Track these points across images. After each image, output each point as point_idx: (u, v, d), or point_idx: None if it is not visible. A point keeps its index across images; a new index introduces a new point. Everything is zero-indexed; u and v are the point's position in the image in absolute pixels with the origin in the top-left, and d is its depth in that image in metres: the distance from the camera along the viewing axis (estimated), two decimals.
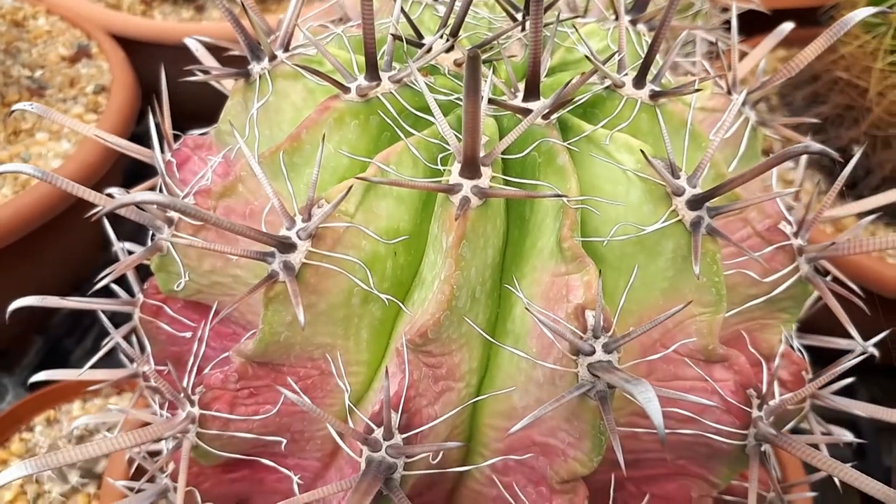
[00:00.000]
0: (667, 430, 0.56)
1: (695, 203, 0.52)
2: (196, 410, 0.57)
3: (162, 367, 0.69)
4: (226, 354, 0.60)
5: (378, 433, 0.49)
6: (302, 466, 0.64)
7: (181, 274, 0.60)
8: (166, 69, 0.71)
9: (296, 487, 0.59)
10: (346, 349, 0.57)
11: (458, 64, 0.61)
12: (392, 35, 0.58)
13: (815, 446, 0.66)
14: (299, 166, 0.56)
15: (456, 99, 0.58)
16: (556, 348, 0.51)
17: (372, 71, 0.55)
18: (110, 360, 0.78)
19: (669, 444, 0.58)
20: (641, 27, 0.68)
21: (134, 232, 0.85)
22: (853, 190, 1.43)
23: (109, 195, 0.67)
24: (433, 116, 0.51)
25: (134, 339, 0.77)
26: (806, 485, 0.83)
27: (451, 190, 0.50)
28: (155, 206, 0.61)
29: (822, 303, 0.67)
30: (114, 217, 0.64)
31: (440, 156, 0.55)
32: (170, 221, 0.60)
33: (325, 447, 0.62)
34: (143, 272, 0.74)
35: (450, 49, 0.59)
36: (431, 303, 0.52)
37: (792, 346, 0.67)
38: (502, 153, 0.55)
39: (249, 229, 0.48)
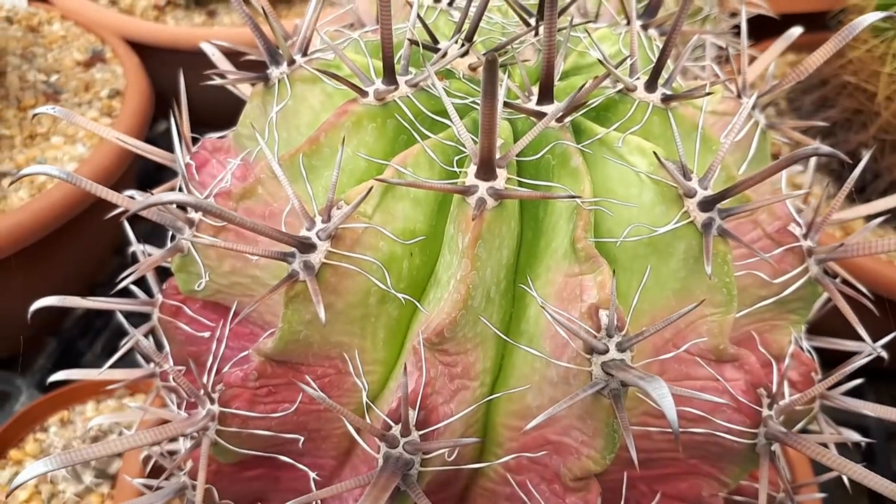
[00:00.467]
0: (679, 430, 0.57)
1: (706, 205, 0.53)
2: (216, 408, 0.58)
3: (180, 367, 0.70)
4: (244, 353, 0.61)
5: (396, 430, 0.50)
6: (318, 465, 0.65)
7: (201, 274, 0.62)
8: (181, 74, 0.72)
9: (312, 484, 0.60)
10: (362, 348, 0.58)
11: (472, 68, 0.62)
12: (409, 40, 0.59)
13: (825, 446, 0.66)
14: (318, 168, 0.57)
15: (471, 102, 0.59)
16: (570, 347, 0.52)
17: (389, 75, 0.56)
18: (123, 362, 0.80)
19: (682, 444, 0.59)
20: (652, 32, 0.69)
21: (148, 234, 0.86)
22: (862, 194, 1.43)
23: (129, 197, 0.68)
24: (449, 119, 0.52)
25: (151, 339, 0.78)
26: (815, 486, 0.83)
27: (468, 191, 0.51)
28: (175, 207, 0.62)
29: (831, 305, 0.68)
30: (128, 219, 0.65)
31: (456, 158, 0.56)
32: (190, 222, 0.61)
33: (341, 445, 0.64)
34: (160, 274, 0.75)
35: (465, 53, 0.60)
36: (447, 302, 0.53)
37: (801, 347, 0.67)
38: (517, 155, 0.57)
39: (271, 230, 0.49)
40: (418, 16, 0.60)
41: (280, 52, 0.62)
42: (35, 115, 0.66)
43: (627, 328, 0.50)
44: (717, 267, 0.54)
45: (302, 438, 0.60)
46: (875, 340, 0.69)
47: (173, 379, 0.60)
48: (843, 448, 1.32)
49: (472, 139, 0.52)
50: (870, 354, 0.63)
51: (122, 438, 0.55)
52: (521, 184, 0.56)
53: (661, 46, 0.58)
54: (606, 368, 0.48)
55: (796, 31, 0.85)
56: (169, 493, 0.69)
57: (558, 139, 0.55)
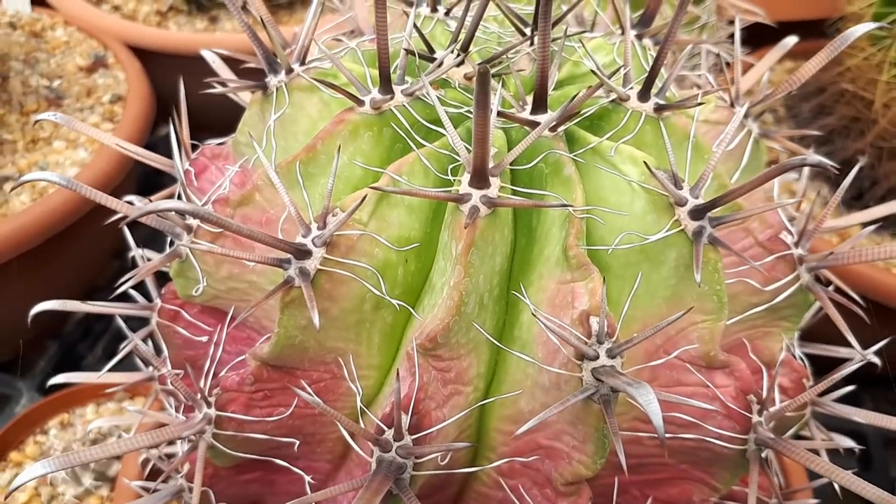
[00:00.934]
0: (669, 435, 0.58)
1: (697, 213, 0.53)
2: (213, 412, 0.59)
3: (178, 371, 0.71)
4: (241, 358, 0.61)
5: (389, 434, 0.51)
6: (313, 468, 0.65)
7: (199, 280, 0.62)
8: (182, 79, 0.73)
9: (307, 487, 0.61)
10: (357, 353, 0.59)
11: (468, 78, 0.63)
12: (405, 50, 0.60)
13: (816, 453, 0.67)
14: (315, 176, 0.58)
15: (466, 111, 0.60)
16: (562, 354, 0.52)
17: (385, 84, 0.57)
18: (123, 365, 0.80)
19: (672, 449, 0.60)
20: (647, 42, 0.70)
21: (147, 239, 0.87)
22: (859, 200, 1.44)
23: (129, 203, 0.69)
24: (444, 128, 0.53)
25: (150, 343, 0.79)
26: (809, 492, 0.84)
27: (461, 199, 0.52)
28: (174, 214, 0.63)
29: (826, 312, 0.69)
30: (128, 224, 0.66)
31: (450, 166, 0.57)
32: (189, 228, 0.62)
33: (336, 449, 0.64)
34: (159, 278, 0.76)
35: (460, 63, 0.61)
36: (441, 308, 0.53)
37: (794, 354, 0.68)
38: (511, 164, 0.57)
39: (268, 236, 0.50)
40: (415, 25, 0.61)
41: (278, 60, 0.63)
42: (37, 121, 0.67)
43: (618, 335, 0.51)
44: (708, 275, 0.55)
45: (297, 442, 0.61)
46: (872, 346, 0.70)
47: (171, 383, 0.61)
48: (839, 455, 1.33)
49: (466, 148, 0.53)
50: (860, 361, 0.64)
51: (121, 441, 0.56)
52: (514, 192, 0.56)
53: (655, 56, 0.59)
54: (596, 374, 0.49)
55: (791, 40, 0.86)
56: (166, 496, 0.70)
57: (551, 148, 0.56)
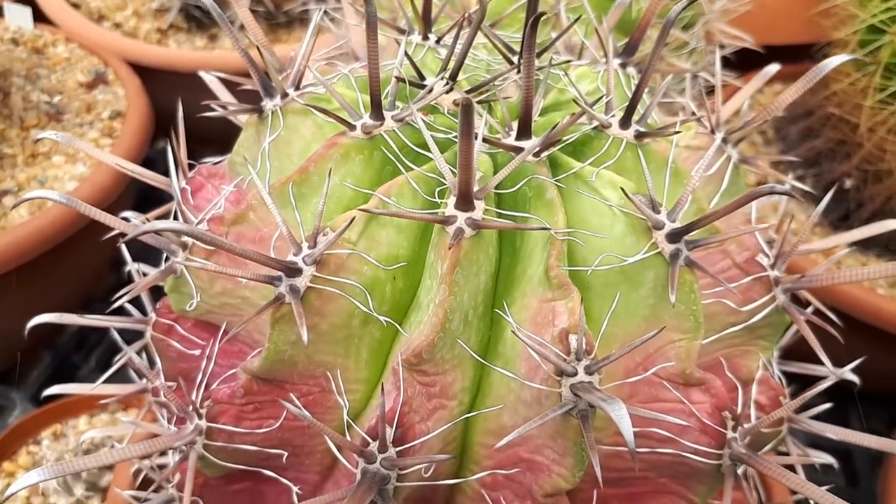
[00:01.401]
0: (647, 450, 0.60)
1: (674, 236, 0.55)
2: (204, 423, 0.61)
3: (171, 383, 0.73)
4: (232, 371, 0.63)
5: (373, 446, 0.53)
6: (301, 479, 0.67)
7: (193, 295, 0.64)
8: (181, 96, 0.76)
9: (295, 497, 0.63)
10: (346, 368, 0.61)
11: (456, 104, 0.65)
12: (395, 77, 0.62)
13: (794, 469, 0.69)
14: (307, 196, 0.60)
15: (454, 137, 0.62)
16: (543, 370, 0.54)
17: (376, 110, 0.60)
18: (117, 377, 0.82)
19: (651, 463, 0.62)
20: (631, 70, 0.73)
21: (142, 251, 0.89)
22: (846, 222, 1.47)
23: (125, 219, 0.71)
24: (432, 153, 0.55)
25: (143, 356, 0.81)
26: None
27: (447, 221, 0.54)
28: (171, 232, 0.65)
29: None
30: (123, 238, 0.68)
31: (438, 189, 0.59)
32: (184, 246, 0.64)
33: (324, 461, 0.66)
34: (154, 292, 0.78)
35: (449, 90, 0.63)
36: (426, 325, 0.55)
37: (772, 373, 0.70)
38: (497, 187, 0.60)
39: (259, 255, 0.52)
40: (406, 53, 0.64)
41: (273, 84, 0.65)
42: (38, 139, 0.69)
43: (596, 352, 0.53)
44: (684, 295, 0.57)
45: (286, 454, 0.62)
46: (866, 367, 0.72)
47: (163, 395, 0.63)
48: (827, 472, 1.34)
49: (452, 171, 0.55)
50: (833, 379, 0.66)
51: (112, 451, 0.57)
52: (499, 215, 0.59)
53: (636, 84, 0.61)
54: (575, 390, 0.51)
55: (773, 67, 0.89)
56: None
57: (534, 173, 0.58)
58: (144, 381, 0.81)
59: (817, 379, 0.77)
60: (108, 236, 0.69)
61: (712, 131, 0.71)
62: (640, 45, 0.71)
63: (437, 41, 0.70)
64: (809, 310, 0.71)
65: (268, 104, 0.65)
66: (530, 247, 0.59)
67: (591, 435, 0.49)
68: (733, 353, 0.68)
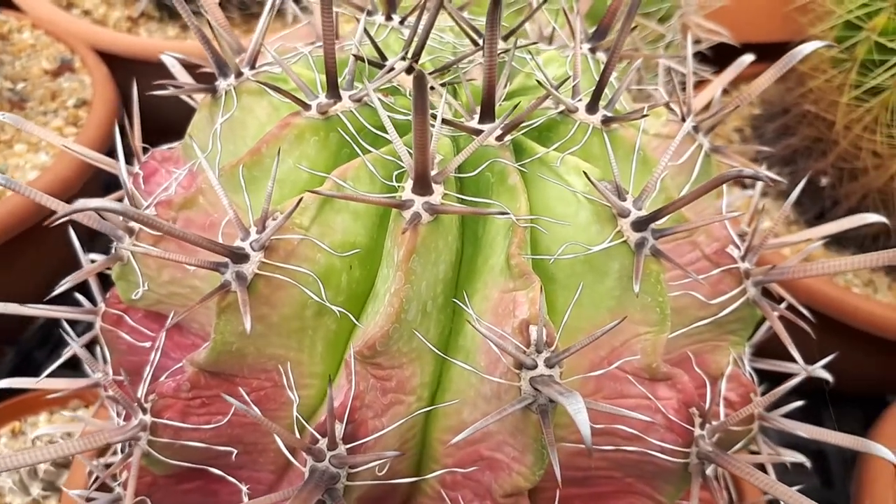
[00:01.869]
0: (612, 447, 0.57)
1: (639, 224, 0.53)
2: (148, 418, 0.58)
3: (120, 377, 0.70)
4: (180, 364, 0.60)
5: (322, 443, 0.50)
6: (255, 478, 0.64)
7: (140, 283, 0.61)
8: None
9: (245, 498, 0.60)
10: (299, 361, 0.58)
11: None
12: (353, 55, 0.59)
13: (764, 469, 0.67)
14: (259, 180, 0.58)
15: None
16: (503, 363, 0.52)
17: (333, 89, 0.57)
18: (79, 371, 0.78)
19: (616, 462, 0.59)
20: (601, 55, 0.71)
21: (106, 241, 0.85)
22: (821, 219, 1.46)
23: (82, 205, 0.67)
24: (388, 134, 0.53)
25: (100, 348, 0.78)
26: None
27: (403, 205, 0.52)
28: (119, 217, 0.62)
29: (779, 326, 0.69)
30: (89, 229, 0.65)
31: (396, 173, 0.57)
32: (130, 231, 0.61)
33: (279, 459, 0.63)
34: (110, 282, 0.75)
35: (410, 70, 0.61)
36: (381, 315, 0.53)
37: (742, 369, 0.68)
38: (458, 172, 0.57)
39: (203, 239, 0.49)
40: (366, 31, 0.61)
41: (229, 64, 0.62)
42: None
43: (557, 344, 0.50)
44: (650, 286, 0.55)
45: (236, 451, 0.59)
46: (848, 366, 0.70)
47: (108, 388, 0.60)
48: (801, 472, 1.33)
49: (410, 153, 0.53)
50: (804, 377, 0.64)
51: (49, 447, 0.54)
52: (461, 200, 0.56)
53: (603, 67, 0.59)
54: (534, 384, 0.49)
55: (747, 58, 0.87)
56: None
57: (496, 157, 0.55)
58: (99, 374, 0.78)
59: (791, 379, 0.75)
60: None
61: (683, 119, 0.69)
62: (610, 30, 0.69)
63: (401, 21, 0.67)
64: (783, 305, 0.69)
65: (221, 83, 0.62)
66: (492, 235, 0.57)
67: (550, 431, 0.47)
68: (702, 348, 0.66)
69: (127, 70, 1.57)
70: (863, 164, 1.33)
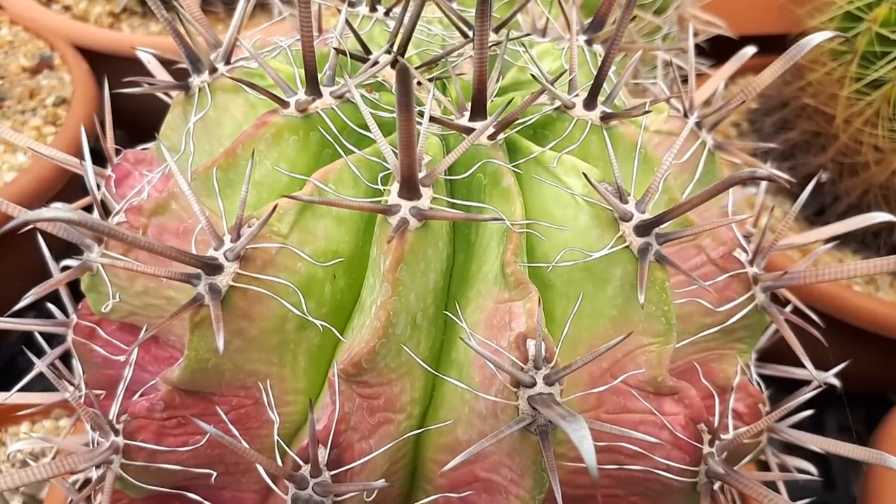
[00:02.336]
0: (615, 466, 0.54)
1: (643, 229, 0.50)
2: (120, 440, 0.54)
3: (100, 392, 0.66)
4: (154, 381, 0.56)
5: (305, 470, 0.46)
6: (239, 499, 0.60)
7: (110, 295, 0.57)
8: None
9: None
10: (281, 377, 0.54)
11: None
12: (335, 49, 0.55)
13: (775, 486, 0.64)
14: (235, 183, 0.54)
15: None
16: (499, 379, 0.48)
17: (312, 85, 0.53)
18: (65, 379, 0.74)
19: (620, 481, 0.56)
20: (598, 48, 0.67)
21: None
22: (821, 216, 1.43)
23: (56, 210, 0.63)
24: (372, 132, 0.49)
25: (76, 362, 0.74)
26: None
27: (389, 211, 0.48)
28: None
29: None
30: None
31: (382, 175, 0.53)
32: (99, 240, 0.57)
33: (262, 480, 0.59)
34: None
35: (395, 64, 0.57)
36: (367, 329, 0.49)
37: (750, 378, 0.65)
38: (448, 174, 0.53)
39: (172, 250, 0.45)
40: (348, 23, 0.57)
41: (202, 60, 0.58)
42: None
43: (557, 360, 0.47)
44: (655, 295, 0.51)
45: (216, 473, 0.56)
46: (849, 368, 0.67)
47: (78, 408, 0.56)
48: (804, 475, 1.30)
49: (396, 154, 0.49)
50: (819, 386, 0.61)
51: (15, 474, 0.50)
52: (451, 204, 0.52)
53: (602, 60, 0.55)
54: (533, 403, 0.45)
55: (749, 50, 0.83)
56: None
57: (489, 157, 0.52)
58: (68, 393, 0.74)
59: (794, 379, 0.72)
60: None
61: (685, 114, 0.65)
62: (607, 21, 0.65)
63: (386, 13, 0.63)
64: (788, 308, 0.66)
65: (195, 80, 0.58)
66: (486, 241, 0.53)
67: (550, 454, 0.43)
68: (709, 357, 0.63)
69: (109, 67, 1.52)
70: (864, 158, 1.30)
